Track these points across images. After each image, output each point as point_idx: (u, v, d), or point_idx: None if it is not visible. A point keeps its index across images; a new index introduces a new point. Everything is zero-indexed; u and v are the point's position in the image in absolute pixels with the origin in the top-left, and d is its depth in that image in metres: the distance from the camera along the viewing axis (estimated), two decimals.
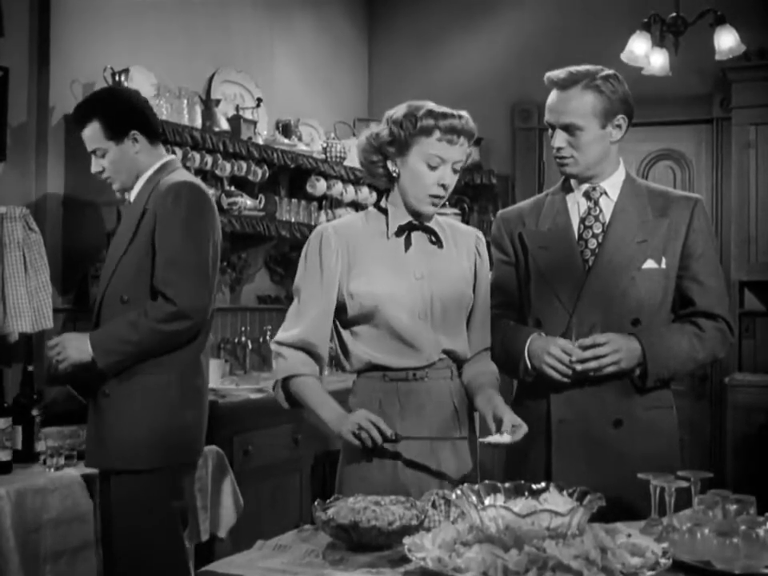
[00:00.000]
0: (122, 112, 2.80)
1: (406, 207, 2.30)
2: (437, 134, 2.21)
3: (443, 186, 2.25)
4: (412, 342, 2.25)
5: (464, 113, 2.26)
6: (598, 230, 2.40)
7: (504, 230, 2.52)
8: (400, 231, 2.31)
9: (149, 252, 2.66)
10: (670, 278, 2.39)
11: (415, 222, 2.31)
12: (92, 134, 2.79)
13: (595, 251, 2.38)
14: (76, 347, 2.65)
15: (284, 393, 2.29)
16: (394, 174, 2.29)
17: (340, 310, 2.29)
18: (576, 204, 2.44)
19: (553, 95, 2.38)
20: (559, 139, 2.37)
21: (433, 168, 2.24)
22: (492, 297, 2.44)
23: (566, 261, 2.39)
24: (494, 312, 2.44)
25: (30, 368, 3.07)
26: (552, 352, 2.28)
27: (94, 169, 2.85)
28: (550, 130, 2.41)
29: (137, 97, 2.93)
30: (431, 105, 2.26)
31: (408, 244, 2.30)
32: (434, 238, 2.33)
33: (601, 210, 2.42)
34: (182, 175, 2.78)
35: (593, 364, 2.26)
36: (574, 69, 2.36)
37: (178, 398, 2.67)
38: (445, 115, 2.22)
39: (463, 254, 2.37)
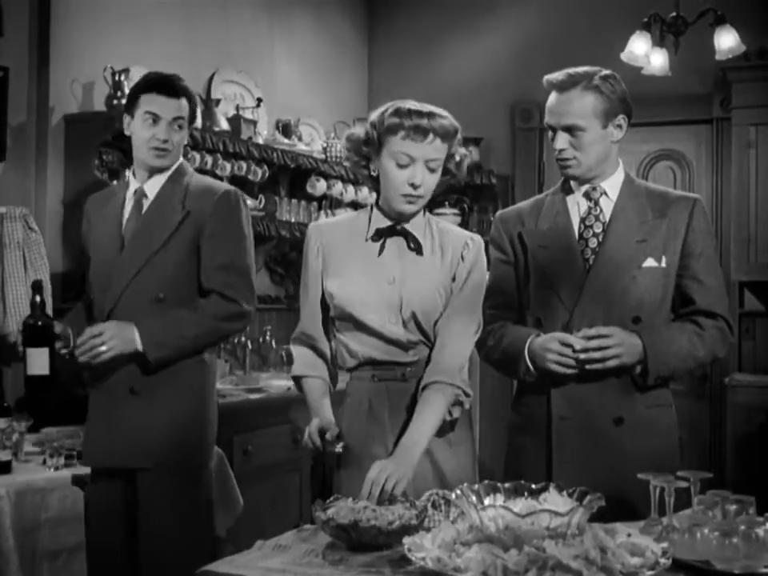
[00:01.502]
0: None
1: (387, 208, 2.28)
2: (401, 132, 2.18)
3: (413, 185, 2.20)
4: (391, 341, 2.24)
5: (440, 111, 2.21)
6: (598, 229, 2.40)
7: (503, 231, 2.52)
8: (377, 235, 2.28)
9: (192, 254, 2.65)
10: (670, 277, 2.39)
11: (397, 227, 2.27)
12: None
13: (596, 250, 2.38)
14: (122, 337, 2.53)
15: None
16: (374, 174, 2.28)
17: (326, 306, 2.32)
18: (576, 204, 2.44)
19: (552, 97, 2.37)
20: (561, 141, 2.37)
21: (402, 167, 2.19)
22: (490, 297, 2.41)
23: (566, 259, 2.39)
24: (492, 312, 2.44)
25: None
26: (552, 347, 2.28)
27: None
28: (550, 133, 2.41)
29: None
30: (405, 103, 2.21)
31: (382, 248, 2.27)
32: (412, 245, 2.27)
33: (601, 210, 2.42)
34: (207, 178, 2.84)
35: (596, 354, 2.25)
36: (572, 70, 2.35)
37: (198, 402, 2.68)
38: (410, 113, 2.17)
39: (447, 260, 2.28)
